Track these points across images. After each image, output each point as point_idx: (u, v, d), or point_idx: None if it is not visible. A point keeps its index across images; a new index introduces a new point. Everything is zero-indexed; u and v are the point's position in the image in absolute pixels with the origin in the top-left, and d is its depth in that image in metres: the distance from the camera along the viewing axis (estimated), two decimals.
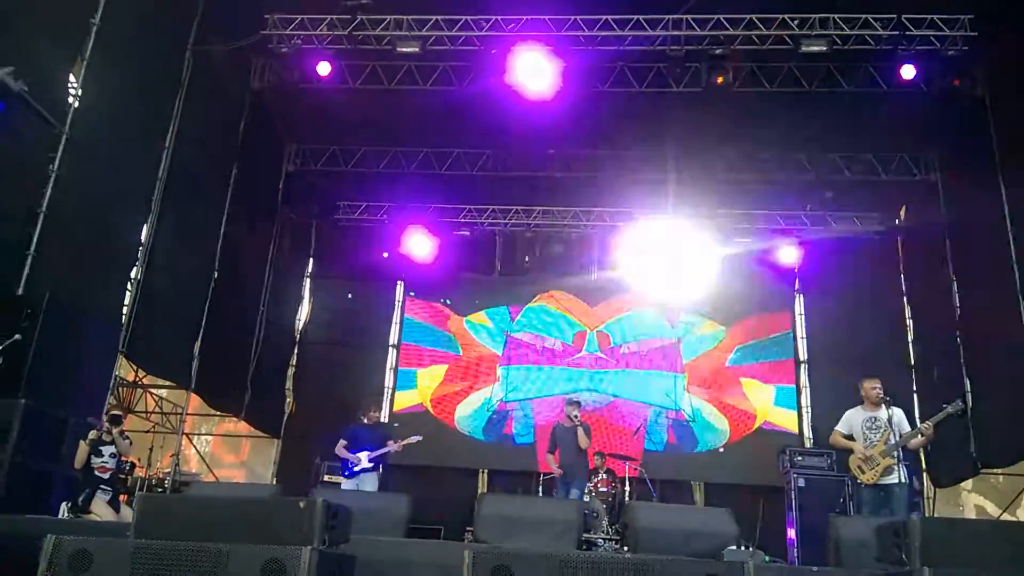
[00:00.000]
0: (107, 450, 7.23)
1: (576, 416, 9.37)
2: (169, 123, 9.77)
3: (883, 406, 7.18)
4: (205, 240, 10.86)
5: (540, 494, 10.75)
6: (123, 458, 7.77)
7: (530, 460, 12.60)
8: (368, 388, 13.30)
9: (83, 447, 7.08)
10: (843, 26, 9.65)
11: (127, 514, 7.13)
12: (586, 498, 9.64)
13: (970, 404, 10.82)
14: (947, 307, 11.77)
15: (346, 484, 8.93)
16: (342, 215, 14.57)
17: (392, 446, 8.93)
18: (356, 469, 8.86)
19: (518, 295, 14.49)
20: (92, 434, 7.15)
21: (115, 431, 7.31)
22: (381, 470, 8.99)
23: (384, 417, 13.12)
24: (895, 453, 6.99)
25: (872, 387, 7.29)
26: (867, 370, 8.03)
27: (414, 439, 9.34)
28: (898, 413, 7.22)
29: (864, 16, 9.65)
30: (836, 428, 7.51)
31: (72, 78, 8.20)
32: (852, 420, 7.39)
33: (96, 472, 7.12)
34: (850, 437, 7.36)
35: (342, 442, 9.03)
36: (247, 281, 12.23)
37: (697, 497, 12.84)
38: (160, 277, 9.62)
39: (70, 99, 8.08)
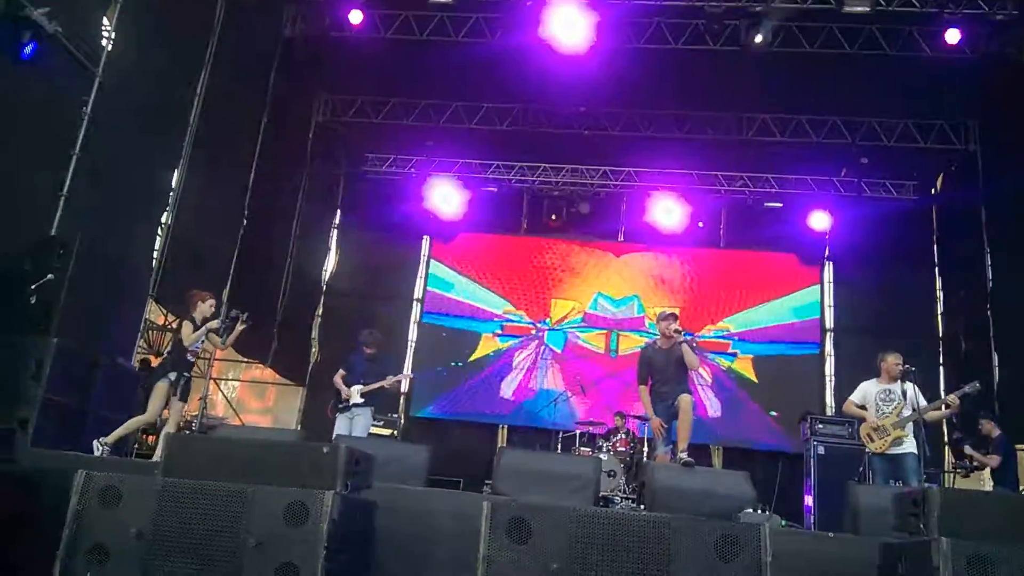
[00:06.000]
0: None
1: (677, 331, 7.29)
2: (200, 69, 9.74)
3: (899, 380, 7.20)
4: (234, 188, 10.91)
5: (559, 451, 10.84)
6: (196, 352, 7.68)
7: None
8: (393, 341, 13.41)
9: (199, 330, 7.10)
10: None
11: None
12: (604, 456, 9.69)
13: (997, 378, 10.72)
14: (979, 280, 11.59)
15: (339, 419, 8.54)
16: (370, 167, 14.58)
17: (386, 381, 8.65)
18: (351, 403, 8.51)
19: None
20: (215, 323, 7.24)
21: (240, 327, 7.43)
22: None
23: (407, 368, 13.21)
24: (906, 425, 7.02)
25: (896, 362, 7.27)
26: (894, 340, 7.98)
27: (404, 376, 9.18)
28: (912, 388, 7.21)
29: None
30: (850, 398, 7.52)
31: (105, 21, 8.18)
32: (867, 391, 7.42)
33: (188, 356, 7.17)
34: (863, 407, 7.38)
35: (341, 372, 8.75)
36: (275, 230, 12.30)
37: (715, 461, 12.92)
38: (190, 223, 9.69)
39: (103, 42, 8.08)
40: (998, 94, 10.94)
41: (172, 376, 6.98)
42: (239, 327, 7.47)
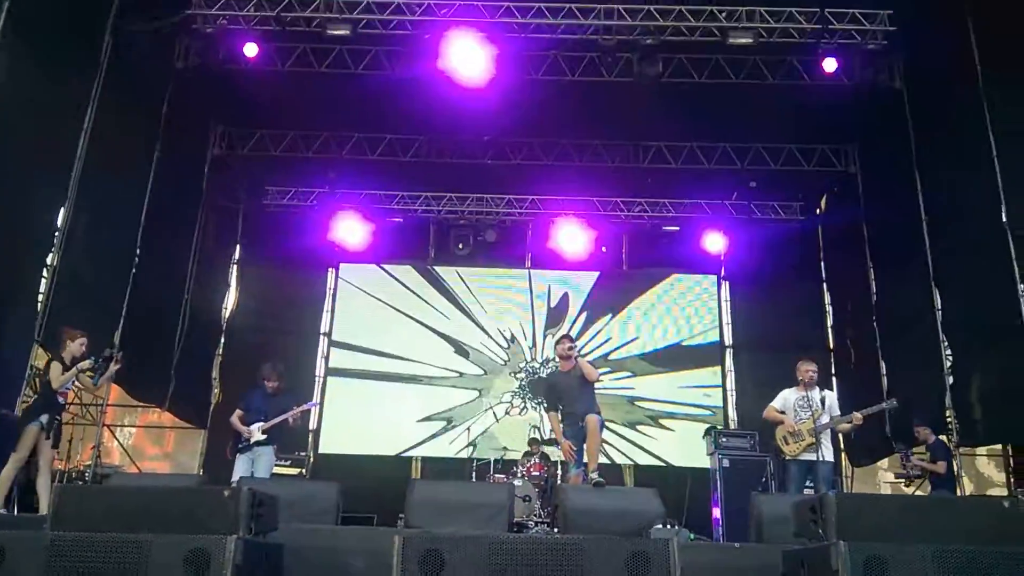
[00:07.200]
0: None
1: (571, 348, 7.53)
2: (88, 103, 9.35)
3: (816, 388, 7.58)
4: (126, 225, 10.45)
5: (474, 479, 10.80)
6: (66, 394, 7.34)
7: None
8: (298, 377, 13.10)
9: (70, 371, 6.88)
10: (768, 19, 9.87)
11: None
12: (518, 483, 9.69)
13: (885, 386, 11.31)
14: (864, 294, 12.25)
15: (239, 459, 8.23)
16: (270, 200, 14.29)
17: (288, 414, 8.33)
18: (251, 442, 8.20)
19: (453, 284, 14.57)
20: (86, 363, 6.97)
21: (114, 366, 7.18)
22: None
23: (316, 397, 12.91)
24: (820, 432, 7.37)
25: (807, 370, 7.73)
26: (788, 354, 8.39)
27: (309, 405, 9.04)
28: (830, 396, 7.72)
29: (789, 9, 9.89)
30: (771, 404, 7.87)
31: None
32: (787, 398, 7.82)
33: (59, 398, 6.91)
34: (783, 413, 7.75)
35: (238, 412, 8.46)
36: (170, 267, 11.84)
37: (627, 479, 13.12)
38: (78, 263, 9.21)
39: None
40: (874, 118, 11.65)
41: (44, 419, 6.67)
42: (113, 367, 7.19)
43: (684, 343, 14.21)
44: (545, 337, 14.29)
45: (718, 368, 14.09)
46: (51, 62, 8.55)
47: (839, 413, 7.64)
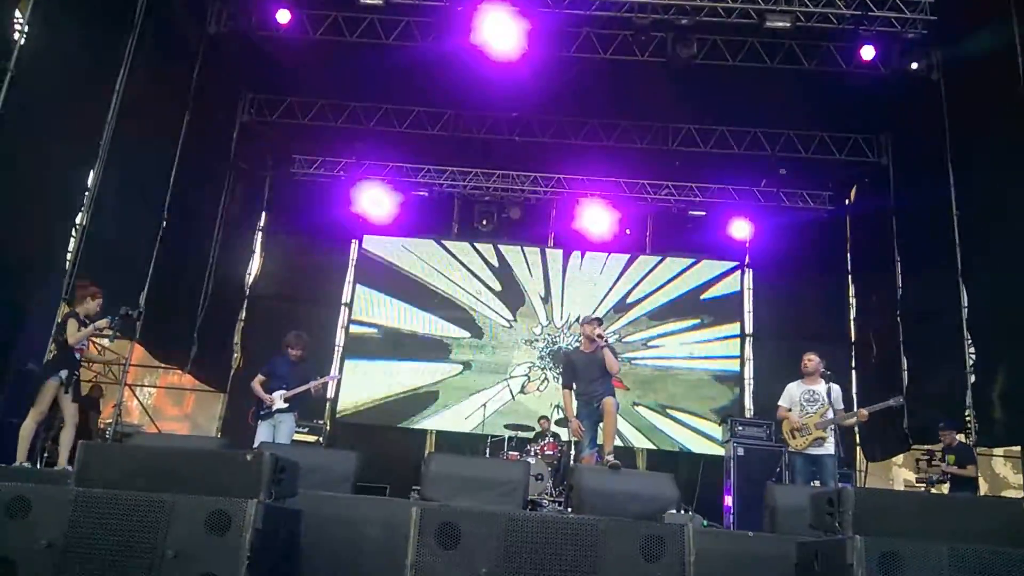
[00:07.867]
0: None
1: (599, 335, 7.43)
2: (120, 65, 9.38)
3: (822, 380, 7.50)
4: (154, 188, 10.55)
5: (488, 455, 10.86)
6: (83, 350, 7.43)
7: None
8: (318, 346, 13.17)
9: (86, 329, 6.98)
10: (807, 3, 9.71)
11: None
12: (531, 460, 9.74)
13: (905, 381, 11.22)
14: (890, 287, 12.11)
15: (261, 426, 8.27)
16: (297, 169, 14.31)
17: (310, 384, 8.44)
18: (273, 409, 8.27)
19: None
20: (103, 322, 7.05)
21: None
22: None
23: (334, 370, 13.03)
24: (827, 427, 7.32)
25: (808, 359, 7.62)
26: (809, 345, 8.33)
27: (329, 378, 9.17)
28: (835, 389, 7.54)
29: None
30: (779, 402, 7.79)
31: (18, 14, 7.84)
32: (792, 393, 7.74)
33: (75, 354, 7.02)
34: (789, 409, 7.66)
35: (260, 377, 8.50)
36: (196, 231, 11.96)
37: (640, 463, 13.15)
38: (106, 224, 9.31)
39: (15, 36, 7.74)
40: (909, 110, 11.46)
41: (63, 374, 6.82)
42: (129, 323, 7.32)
43: (705, 328, 14.14)
44: (563, 291, 14.28)
45: (737, 355, 14.04)
46: (85, 23, 8.60)
47: (843, 407, 7.56)
